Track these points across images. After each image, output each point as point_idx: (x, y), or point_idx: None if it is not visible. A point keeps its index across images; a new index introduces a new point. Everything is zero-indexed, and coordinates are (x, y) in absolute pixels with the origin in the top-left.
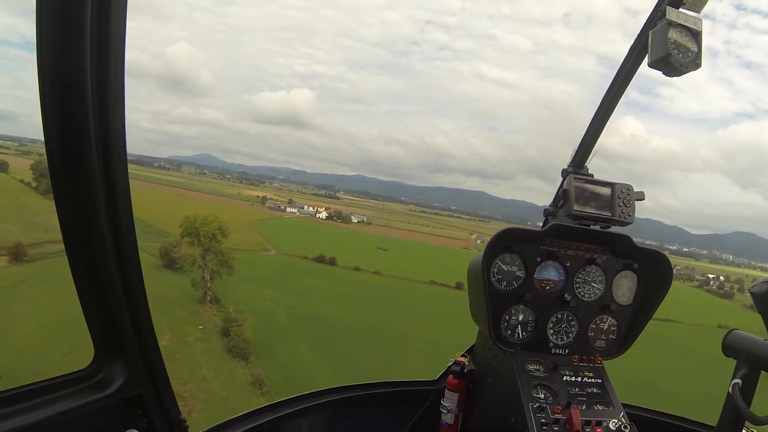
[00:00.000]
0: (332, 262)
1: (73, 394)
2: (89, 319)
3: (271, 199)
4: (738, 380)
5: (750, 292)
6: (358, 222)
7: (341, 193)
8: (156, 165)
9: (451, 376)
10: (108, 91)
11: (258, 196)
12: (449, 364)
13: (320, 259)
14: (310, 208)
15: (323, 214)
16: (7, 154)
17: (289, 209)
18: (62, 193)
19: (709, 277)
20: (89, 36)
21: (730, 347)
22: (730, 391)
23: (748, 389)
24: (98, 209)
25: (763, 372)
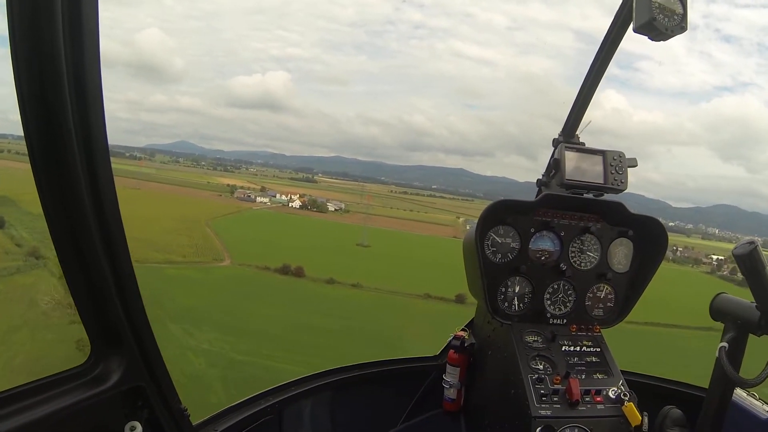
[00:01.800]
0: (299, 273)
1: (72, 390)
2: (83, 315)
3: (241, 188)
4: (725, 343)
5: (733, 254)
6: (335, 210)
7: (320, 175)
8: (128, 155)
9: (452, 351)
10: (85, 81)
11: (228, 185)
12: (449, 338)
13: (284, 270)
14: (283, 197)
15: (296, 203)
16: None
17: (259, 199)
18: (46, 189)
19: (719, 260)
20: (61, 23)
21: (717, 311)
22: (717, 354)
23: (736, 353)
24: (83, 204)
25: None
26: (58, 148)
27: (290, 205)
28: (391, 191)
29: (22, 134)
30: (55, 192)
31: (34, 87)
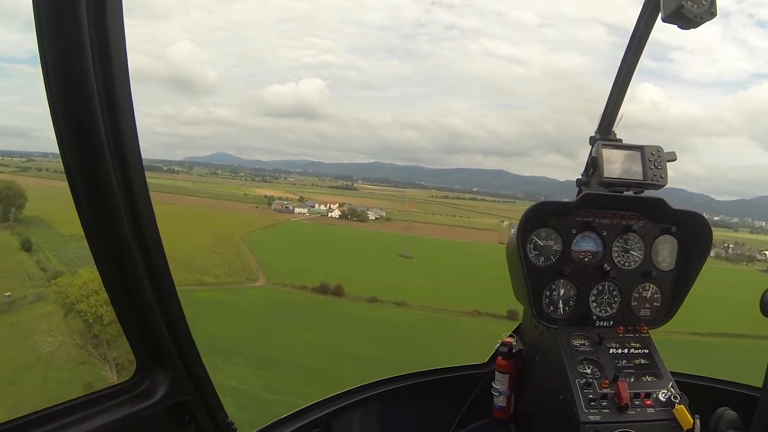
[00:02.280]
0: (338, 292)
1: (119, 405)
2: (128, 332)
3: (279, 199)
4: None
5: None
6: (376, 219)
7: (359, 182)
8: (165, 169)
9: (500, 358)
10: (116, 97)
11: (265, 196)
12: (497, 345)
13: (323, 289)
14: (322, 207)
15: (336, 213)
16: (3, 172)
17: (297, 210)
18: (84, 208)
19: None
20: (89, 39)
21: None
22: None
23: None
24: (122, 222)
25: None
26: (93, 165)
27: (329, 215)
28: (432, 196)
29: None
30: (94, 210)
31: (66, 105)
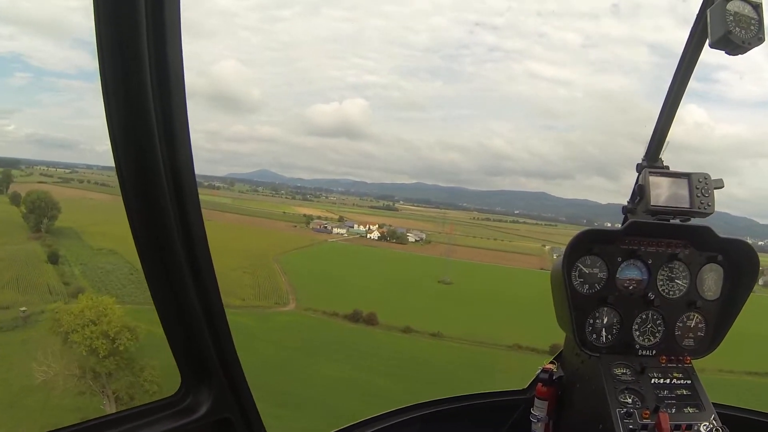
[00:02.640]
0: (371, 320)
1: (164, 419)
2: (174, 347)
3: (318, 217)
4: None
5: None
6: (416, 241)
7: (401, 202)
8: (206, 184)
9: (539, 384)
10: (172, 115)
11: (304, 215)
12: (537, 371)
13: (355, 317)
14: (361, 227)
15: (375, 234)
16: (45, 182)
17: (336, 230)
18: (137, 222)
19: None
20: (148, 61)
21: None
22: None
23: None
24: (173, 236)
25: None
26: (147, 181)
27: (368, 237)
28: (474, 218)
29: (107, 165)
30: (146, 225)
31: (124, 122)
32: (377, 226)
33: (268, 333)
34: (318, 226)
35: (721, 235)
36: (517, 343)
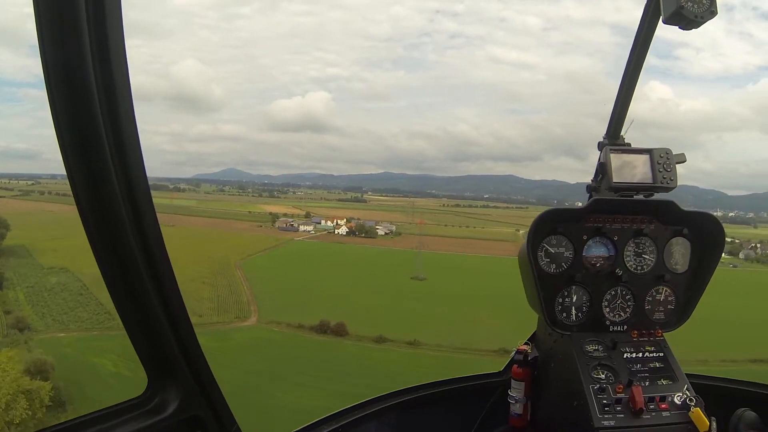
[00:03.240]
0: (340, 331)
1: (131, 420)
2: (137, 348)
3: (284, 215)
4: None
5: None
6: (386, 234)
7: (369, 193)
8: (171, 187)
9: (515, 366)
10: (119, 116)
11: (270, 214)
12: (512, 353)
13: (322, 328)
14: (328, 223)
15: (343, 230)
16: (4, 197)
17: (303, 227)
18: (91, 224)
19: None
20: (90, 52)
21: None
22: None
23: None
24: (127, 236)
25: None
26: (98, 182)
27: (336, 232)
28: (443, 205)
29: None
30: (100, 228)
31: (70, 120)
32: (345, 220)
33: (226, 354)
34: (284, 225)
35: (686, 208)
36: (503, 348)
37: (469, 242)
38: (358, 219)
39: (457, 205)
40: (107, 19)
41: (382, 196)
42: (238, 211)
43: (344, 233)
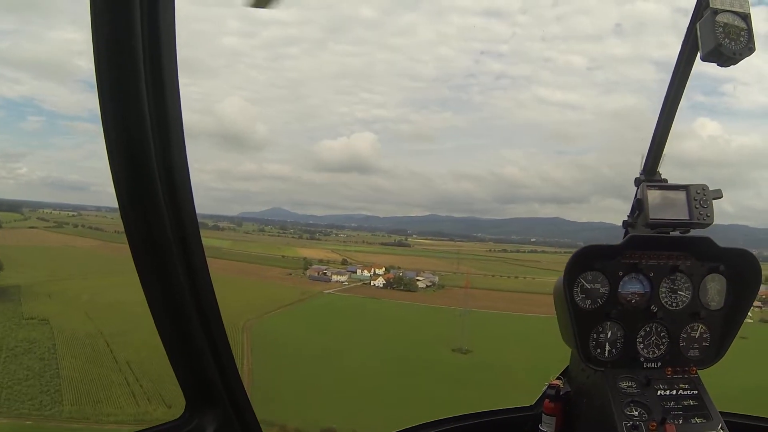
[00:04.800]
0: None
1: None
2: (178, 372)
3: (320, 261)
4: None
5: None
6: (427, 287)
7: (414, 236)
8: (211, 225)
9: (546, 400)
10: (172, 153)
11: (304, 259)
12: (544, 387)
13: None
14: (365, 272)
15: (380, 281)
16: (36, 227)
17: (335, 277)
18: (140, 258)
19: None
20: (147, 102)
21: None
22: None
23: None
24: (175, 268)
25: None
26: (150, 220)
27: (373, 284)
28: (490, 250)
29: (116, 206)
30: (149, 260)
31: (126, 168)
32: (383, 270)
33: None
34: (315, 273)
35: (721, 245)
36: None
37: (520, 297)
38: (398, 268)
39: (504, 250)
40: (162, 56)
41: (426, 239)
42: (270, 255)
43: (381, 285)
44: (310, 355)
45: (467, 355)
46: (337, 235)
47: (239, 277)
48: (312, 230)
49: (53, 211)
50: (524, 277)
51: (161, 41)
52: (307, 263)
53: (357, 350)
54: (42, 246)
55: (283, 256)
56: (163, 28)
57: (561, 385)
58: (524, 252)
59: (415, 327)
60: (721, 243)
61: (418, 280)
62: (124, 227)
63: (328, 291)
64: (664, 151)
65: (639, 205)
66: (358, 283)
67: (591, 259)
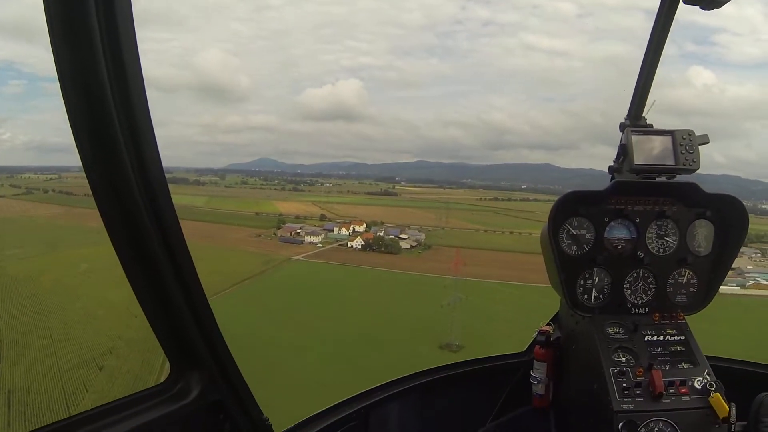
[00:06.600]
0: None
1: (155, 406)
2: (160, 337)
3: (296, 217)
4: None
5: None
6: (412, 247)
7: (402, 183)
8: (192, 180)
9: (537, 347)
10: (133, 108)
11: (280, 215)
12: (535, 334)
13: None
14: (343, 230)
15: (358, 242)
16: (3, 196)
17: (309, 238)
18: (108, 216)
19: None
20: (101, 49)
21: None
22: None
23: None
24: (145, 226)
25: None
26: (115, 178)
27: (350, 245)
28: (480, 199)
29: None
30: (120, 223)
31: (84, 116)
32: (363, 227)
33: None
34: (287, 234)
35: (708, 190)
36: None
37: (517, 260)
38: (381, 224)
39: (496, 198)
40: (117, 16)
41: (415, 186)
42: (243, 212)
43: (359, 247)
44: (258, 354)
45: (459, 353)
46: (322, 184)
47: (198, 242)
48: (297, 180)
49: (33, 176)
50: (519, 233)
51: None
52: (280, 221)
53: (317, 346)
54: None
55: (257, 213)
56: None
57: (551, 331)
58: (516, 200)
59: (393, 312)
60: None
61: (401, 239)
62: (93, 194)
63: (296, 257)
64: (651, 98)
65: (623, 151)
66: (334, 245)
67: (576, 204)
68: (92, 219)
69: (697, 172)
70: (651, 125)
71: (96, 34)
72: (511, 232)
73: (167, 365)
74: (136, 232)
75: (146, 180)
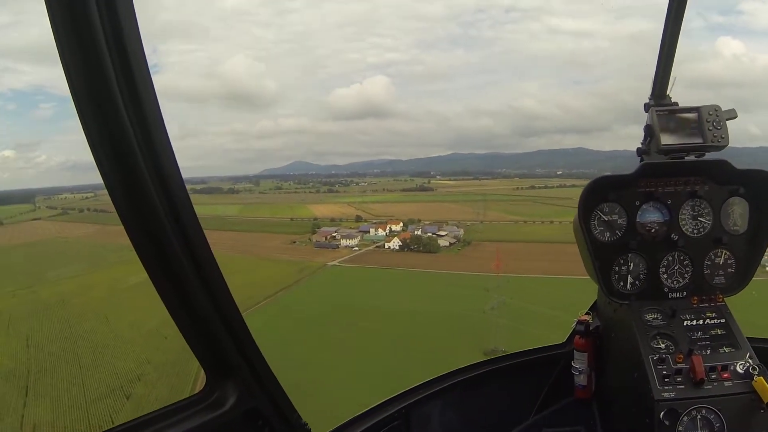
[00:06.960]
0: None
1: (192, 416)
2: (194, 349)
3: (332, 220)
4: None
5: None
6: (451, 245)
7: (437, 178)
8: (226, 190)
9: (577, 336)
10: (147, 119)
11: (315, 219)
12: (574, 324)
13: None
14: (380, 231)
15: (395, 242)
16: (39, 218)
17: (345, 242)
18: (133, 231)
19: None
20: (113, 68)
21: None
22: None
23: None
24: (169, 240)
25: None
26: (135, 192)
27: (387, 246)
28: (517, 188)
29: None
30: (144, 236)
31: (101, 134)
32: (400, 226)
33: None
34: (323, 239)
35: (739, 167)
36: None
37: (561, 251)
38: (419, 221)
39: (532, 187)
40: (124, 29)
41: (450, 180)
42: (278, 219)
43: (396, 248)
44: (293, 366)
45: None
46: (357, 184)
47: (232, 254)
48: (332, 181)
49: (69, 195)
50: (560, 221)
51: (119, 11)
52: (315, 226)
53: (354, 359)
54: (31, 242)
55: (291, 219)
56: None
57: (590, 320)
58: (552, 187)
59: (433, 318)
60: (751, 167)
61: (439, 236)
62: (115, 207)
63: (332, 263)
64: (674, 74)
65: (650, 132)
66: (371, 247)
67: (606, 190)
68: (124, 236)
69: (731, 146)
70: (676, 103)
71: (105, 54)
72: (551, 222)
73: (201, 378)
74: (162, 248)
75: (167, 191)
